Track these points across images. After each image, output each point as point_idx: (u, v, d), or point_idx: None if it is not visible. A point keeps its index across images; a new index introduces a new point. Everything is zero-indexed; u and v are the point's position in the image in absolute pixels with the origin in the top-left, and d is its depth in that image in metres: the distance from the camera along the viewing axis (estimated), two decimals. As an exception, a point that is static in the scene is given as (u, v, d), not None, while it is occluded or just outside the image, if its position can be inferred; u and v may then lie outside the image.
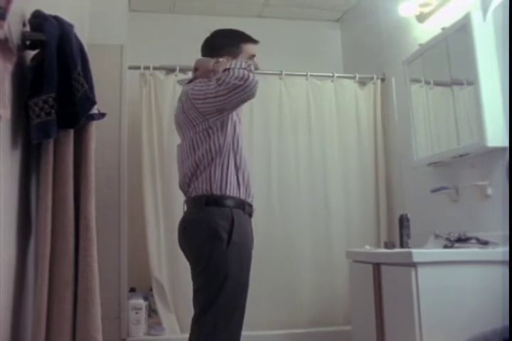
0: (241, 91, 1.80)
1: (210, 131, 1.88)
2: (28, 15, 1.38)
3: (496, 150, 2.22)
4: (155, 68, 3.01)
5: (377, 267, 2.20)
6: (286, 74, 3.19)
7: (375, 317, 2.18)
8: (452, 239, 2.20)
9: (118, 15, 2.97)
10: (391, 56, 3.18)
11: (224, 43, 2.03)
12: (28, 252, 1.42)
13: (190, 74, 2.95)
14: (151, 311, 2.86)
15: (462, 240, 2.17)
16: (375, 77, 3.27)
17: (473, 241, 2.14)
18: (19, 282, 1.34)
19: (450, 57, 2.49)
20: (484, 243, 2.09)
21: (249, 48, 2.04)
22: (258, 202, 2.09)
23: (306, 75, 3.21)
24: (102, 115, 1.55)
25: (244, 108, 2.04)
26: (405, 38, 3.00)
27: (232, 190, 1.86)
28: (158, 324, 2.75)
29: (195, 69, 2.04)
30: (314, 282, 2.99)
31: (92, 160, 1.47)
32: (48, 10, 1.42)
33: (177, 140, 2.09)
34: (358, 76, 3.29)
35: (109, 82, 2.73)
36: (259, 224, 2.48)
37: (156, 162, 2.91)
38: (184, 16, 3.70)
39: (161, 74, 3.02)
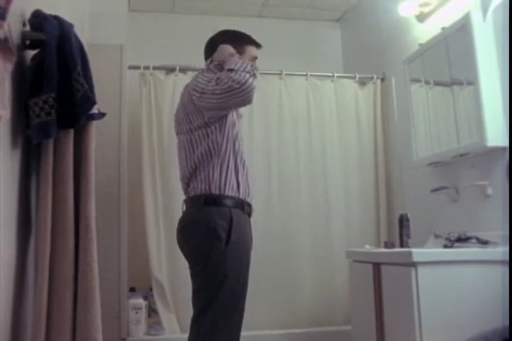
0: (235, 95, 1.80)
1: (209, 130, 1.88)
2: (28, 15, 1.38)
3: (496, 150, 2.22)
4: (155, 68, 3.01)
5: (377, 267, 2.20)
6: (286, 74, 3.19)
7: (375, 317, 2.18)
8: (452, 238, 2.20)
9: (118, 15, 2.97)
10: (391, 56, 3.18)
11: (229, 42, 2.03)
12: (28, 252, 1.42)
13: (189, 74, 2.97)
14: (151, 311, 2.86)
15: (462, 240, 2.17)
16: (375, 77, 3.27)
17: (473, 240, 2.14)
18: (19, 282, 1.34)
19: (450, 57, 2.49)
20: (484, 243, 2.09)
21: (251, 50, 2.05)
22: (258, 201, 2.10)
23: (306, 75, 3.21)
24: (102, 115, 1.55)
25: (245, 107, 2.04)
26: (405, 37, 3.00)
27: (231, 190, 1.86)
28: (158, 324, 2.75)
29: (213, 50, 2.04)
30: (314, 282, 3.00)
31: (92, 160, 1.47)
32: (48, 10, 1.42)
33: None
34: (358, 76, 3.29)
35: (109, 82, 2.73)
36: (258, 224, 2.49)
37: (156, 162, 2.91)
38: (184, 16, 3.70)
39: (160, 74, 3.02)
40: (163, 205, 2.87)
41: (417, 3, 2.79)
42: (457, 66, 2.46)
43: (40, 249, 1.33)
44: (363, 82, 3.33)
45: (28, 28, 1.37)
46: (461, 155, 2.40)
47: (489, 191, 2.27)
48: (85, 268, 1.38)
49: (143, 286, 2.94)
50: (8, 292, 1.26)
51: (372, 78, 3.28)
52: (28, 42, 1.36)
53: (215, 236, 1.78)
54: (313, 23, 3.92)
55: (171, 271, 2.81)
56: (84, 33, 2.30)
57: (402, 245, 2.47)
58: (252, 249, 1.93)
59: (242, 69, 1.82)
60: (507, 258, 1.86)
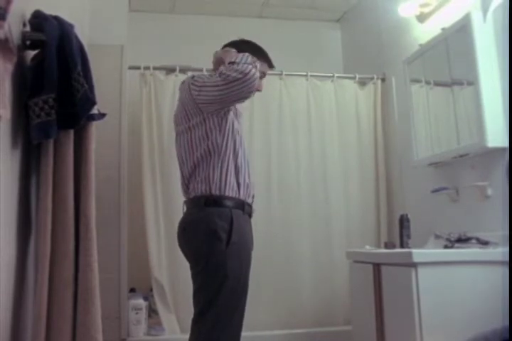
0: (237, 85, 1.79)
1: (208, 129, 1.87)
2: (28, 16, 1.38)
3: (496, 151, 2.22)
4: (155, 68, 3.01)
5: (377, 267, 2.20)
6: (286, 75, 3.19)
7: (376, 317, 2.18)
8: (452, 239, 2.20)
9: (118, 15, 2.97)
10: (391, 56, 3.18)
11: (245, 49, 2.01)
12: (28, 252, 1.42)
13: (190, 75, 2.97)
14: (151, 311, 2.86)
15: (462, 240, 2.17)
16: (375, 77, 3.27)
17: (474, 241, 2.14)
18: (19, 282, 1.34)
19: (450, 58, 2.49)
20: (484, 243, 2.09)
21: (263, 67, 2.04)
22: (258, 202, 2.09)
23: (306, 75, 3.21)
24: (102, 115, 1.55)
25: (245, 108, 2.04)
26: (405, 38, 3.00)
27: (231, 191, 1.86)
28: (158, 324, 2.75)
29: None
30: (314, 282, 2.99)
31: (92, 160, 1.47)
32: (48, 10, 1.42)
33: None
34: (358, 76, 3.29)
35: (109, 82, 2.73)
36: (259, 225, 2.48)
37: (156, 162, 2.91)
38: (184, 16, 3.70)
39: (161, 75, 3.02)
40: (163, 205, 2.87)
41: (417, 3, 2.79)
42: (457, 66, 2.46)
43: (40, 249, 1.33)
44: (363, 83, 3.33)
45: (28, 28, 1.38)
46: (462, 156, 2.40)
47: (489, 192, 2.27)
48: (85, 268, 1.38)
49: (143, 287, 2.94)
50: (8, 292, 1.26)
51: (372, 78, 3.28)
52: (28, 42, 1.36)
53: (215, 237, 1.78)
54: (313, 23, 3.92)
55: (171, 271, 2.81)
56: (84, 34, 2.30)
57: (402, 245, 2.46)
58: (252, 249, 1.93)
59: (243, 61, 1.82)
60: (507, 258, 1.86)
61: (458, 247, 2.16)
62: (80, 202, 1.43)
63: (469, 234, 2.18)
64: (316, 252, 3.02)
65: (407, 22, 2.97)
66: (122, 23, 2.98)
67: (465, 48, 2.32)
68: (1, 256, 1.19)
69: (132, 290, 2.90)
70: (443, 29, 2.53)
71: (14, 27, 1.24)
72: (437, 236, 2.31)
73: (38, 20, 1.37)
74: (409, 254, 1.93)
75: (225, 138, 1.88)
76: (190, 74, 2.94)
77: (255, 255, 1.94)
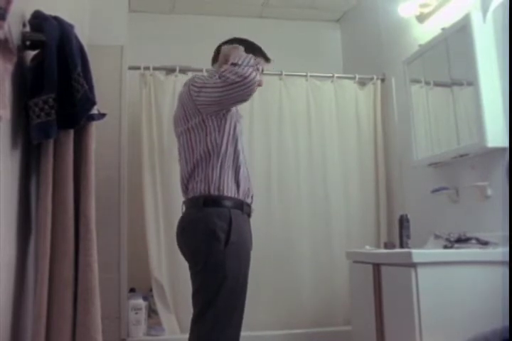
0: (236, 88, 1.79)
1: (207, 130, 1.87)
2: (28, 16, 1.38)
3: (496, 151, 2.22)
4: (155, 68, 3.01)
5: (377, 267, 2.21)
6: (286, 75, 3.19)
7: (375, 317, 2.18)
8: (452, 239, 2.20)
9: (118, 15, 2.97)
10: (391, 56, 3.18)
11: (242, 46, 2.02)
12: (28, 252, 1.43)
13: (190, 75, 2.96)
14: (151, 311, 2.86)
15: (462, 240, 2.17)
16: (375, 77, 3.27)
17: (473, 241, 2.14)
18: (19, 282, 1.34)
19: (450, 58, 2.50)
20: (484, 243, 2.09)
21: (260, 62, 2.03)
22: (258, 202, 2.09)
23: (306, 76, 3.21)
24: (102, 115, 1.56)
25: (244, 108, 2.04)
26: (405, 38, 3.01)
27: (230, 191, 1.86)
28: (158, 324, 2.75)
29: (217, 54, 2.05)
30: (314, 282, 2.99)
31: (92, 161, 1.47)
32: (48, 10, 1.42)
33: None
34: (357, 76, 3.29)
35: (109, 83, 2.73)
36: (258, 225, 2.48)
37: (156, 162, 2.91)
38: (184, 17, 3.71)
39: (161, 75, 3.02)
40: (163, 205, 2.87)
41: (417, 3, 2.79)
42: (457, 67, 2.46)
43: (40, 249, 1.34)
44: (362, 83, 3.33)
45: (28, 28, 1.38)
46: (461, 156, 2.40)
47: (489, 192, 2.27)
48: (85, 269, 1.39)
49: (143, 287, 2.94)
50: (8, 292, 1.26)
51: (372, 79, 3.28)
52: (28, 42, 1.36)
53: (214, 237, 1.78)
54: (313, 23, 3.92)
55: (171, 271, 2.81)
56: (84, 34, 2.31)
57: (402, 246, 2.47)
58: (251, 249, 1.93)
59: (245, 63, 1.81)
60: (507, 258, 1.86)
61: (458, 247, 2.16)
62: (80, 202, 1.43)
63: (469, 234, 2.18)
64: (316, 252, 3.02)
65: (407, 22, 2.97)
66: (122, 24, 2.98)
67: (465, 48, 2.32)
68: (1, 256, 1.19)
69: (132, 290, 2.90)
70: (443, 29, 2.53)
71: (14, 27, 1.24)
72: (437, 237, 2.31)
73: (38, 20, 1.37)
74: (409, 254, 1.93)
75: (224, 139, 1.88)
76: (190, 74, 2.96)
77: (255, 255, 1.94)
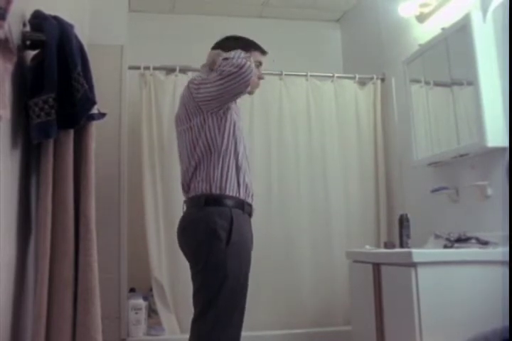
0: (235, 79, 1.80)
1: (207, 128, 1.88)
2: (28, 16, 1.38)
3: (496, 151, 2.22)
4: (155, 68, 3.01)
5: (377, 267, 2.21)
6: (286, 75, 3.19)
7: (375, 317, 2.18)
8: (452, 239, 2.20)
9: (118, 15, 2.97)
10: (391, 56, 3.18)
11: (236, 44, 2.04)
12: (28, 252, 1.42)
13: (190, 75, 2.97)
14: (151, 311, 2.86)
15: (462, 240, 2.17)
16: (375, 77, 3.27)
17: (473, 241, 2.14)
18: (19, 282, 1.34)
19: (450, 58, 2.50)
20: (484, 243, 2.09)
21: (256, 56, 2.06)
22: (258, 202, 2.09)
23: (306, 75, 3.22)
24: (102, 115, 1.55)
25: (245, 108, 2.04)
26: (405, 38, 3.01)
27: (231, 190, 1.86)
28: (158, 324, 2.75)
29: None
30: (314, 282, 2.99)
31: (92, 160, 1.47)
32: (48, 10, 1.42)
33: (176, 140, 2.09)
34: (357, 76, 3.29)
35: (109, 82, 2.73)
36: (258, 225, 2.48)
37: (156, 162, 2.91)
38: (184, 17, 3.71)
39: (161, 75, 3.03)
40: (163, 205, 2.87)
41: (417, 3, 2.79)
42: (457, 66, 2.46)
43: (40, 249, 1.33)
44: (362, 83, 3.33)
45: (28, 28, 1.38)
46: (461, 156, 2.40)
47: (489, 191, 2.27)
48: (85, 268, 1.38)
49: (143, 287, 2.94)
50: (8, 292, 1.26)
51: (372, 78, 3.28)
52: (28, 42, 1.36)
53: (215, 237, 1.78)
54: (313, 23, 3.92)
55: (171, 271, 2.81)
56: (84, 34, 2.30)
57: (402, 245, 2.47)
58: (252, 249, 1.93)
59: (237, 56, 1.83)
60: (507, 258, 1.86)
61: (458, 247, 2.16)
62: (80, 202, 1.43)
63: (469, 234, 2.18)
64: (316, 252, 3.02)
65: (407, 22, 2.97)
66: (122, 23, 2.98)
67: (465, 48, 2.32)
68: (1, 256, 1.19)
69: (132, 290, 2.90)
70: (443, 29, 2.53)
71: (14, 27, 1.24)
72: (437, 236, 2.31)
73: (38, 20, 1.37)
74: (409, 254, 1.93)
75: (226, 138, 1.88)
76: (190, 74, 2.97)
77: (255, 255, 1.94)
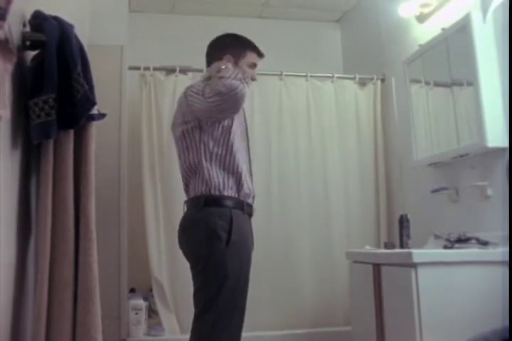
0: (221, 100, 1.81)
1: (203, 132, 1.88)
2: (28, 16, 1.38)
3: (496, 151, 2.22)
4: (155, 69, 3.01)
5: (377, 267, 2.20)
6: (286, 75, 3.19)
7: (375, 317, 2.18)
8: (452, 239, 2.20)
9: (118, 15, 2.97)
10: (391, 56, 3.18)
11: (231, 43, 2.06)
12: (28, 252, 1.43)
13: (190, 75, 2.98)
14: (151, 311, 2.86)
15: (462, 240, 2.17)
16: (375, 77, 3.27)
17: (473, 241, 2.14)
18: (19, 282, 1.34)
19: (450, 58, 2.50)
20: (484, 243, 2.09)
21: (252, 56, 2.06)
22: (258, 202, 2.09)
23: (306, 76, 3.21)
24: (102, 115, 1.56)
25: (245, 108, 2.04)
26: (405, 38, 3.01)
27: (230, 191, 1.87)
28: (158, 324, 2.75)
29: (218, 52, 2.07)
30: (314, 282, 2.99)
31: (92, 161, 1.47)
32: (48, 10, 1.42)
33: (177, 140, 2.09)
34: (358, 76, 3.29)
35: (109, 83, 2.73)
36: (258, 225, 2.48)
37: (156, 162, 2.91)
38: (184, 17, 3.70)
39: (161, 75, 3.03)
40: (163, 205, 2.87)
41: (417, 3, 2.79)
42: (457, 67, 2.46)
43: (40, 249, 1.34)
44: (363, 83, 3.33)
45: (28, 28, 1.38)
46: (461, 156, 2.40)
47: (489, 192, 2.27)
48: (85, 268, 1.39)
49: (143, 287, 2.94)
50: (8, 292, 1.26)
51: (372, 79, 3.28)
52: (28, 43, 1.36)
53: (215, 237, 1.79)
54: (313, 23, 3.92)
55: (171, 271, 2.81)
56: (84, 34, 2.30)
57: (402, 246, 2.46)
58: (253, 249, 1.93)
59: (232, 76, 1.83)
60: (507, 258, 1.86)
61: (458, 247, 2.16)
62: (80, 202, 1.43)
63: (469, 234, 2.18)
64: (316, 252, 3.02)
65: (407, 22, 2.97)
66: (122, 24, 2.98)
67: (465, 48, 2.32)
68: (1, 256, 1.19)
69: (132, 290, 2.89)
70: (443, 29, 2.53)
71: (14, 27, 1.24)
72: (437, 237, 2.31)
73: (38, 20, 1.37)
74: (409, 254, 1.93)
75: (222, 143, 1.89)
76: (190, 74, 2.97)
77: (255, 255, 1.95)
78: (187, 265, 1.91)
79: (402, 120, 3.02)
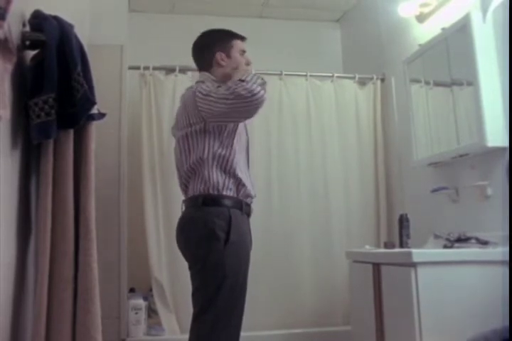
0: (243, 103, 1.79)
1: (207, 135, 1.87)
2: (27, 16, 1.38)
3: (496, 151, 2.22)
4: (155, 68, 3.00)
5: (377, 267, 2.21)
6: (286, 75, 3.19)
7: (375, 317, 2.18)
8: (452, 239, 2.20)
9: (118, 15, 2.97)
10: (391, 56, 3.18)
11: (215, 40, 2.06)
12: (28, 252, 1.43)
13: (189, 75, 2.97)
14: (151, 311, 2.86)
15: (462, 240, 2.17)
16: (374, 77, 3.27)
17: (473, 241, 2.14)
18: (19, 282, 1.34)
19: (450, 58, 2.50)
20: (484, 243, 2.09)
21: (238, 44, 2.07)
22: (258, 201, 2.09)
23: (306, 75, 3.21)
24: (102, 115, 1.56)
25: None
26: (405, 38, 3.01)
27: (229, 190, 1.86)
28: (158, 324, 2.75)
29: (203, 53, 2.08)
30: (314, 282, 2.99)
31: (92, 160, 1.47)
32: (48, 10, 1.42)
33: (177, 140, 2.09)
34: (357, 76, 3.29)
35: (109, 83, 2.73)
36: (258, 224, 2.49)
37: (156, 162, 2.91)
38: (184, 17, 3.70)
39: (160, 75, 3.02)
40: (163, 205, 2.87)
41: (417, 3, 2.79)
42: (457, 66, 2.46)
43: (40, 249, 1.34)
44: (362, 83, 3.33)
45: (27, 28, 1.38)
46: (461, 156, 2.40)
47: (489, 191, 2.27)
48: (85, 268, 1.39)
49: (143, 287, 2.93)
50: (8, 292, 1.26)
51: (372, 78, 3.28)
52: (27, 42, 1.36)
53: (213, 237, 1.78)
54: (313, 23, 3.92)
55: (171, 271, 2.81)
56: (84, 34, 2.30)
57: (401, 245, 2.47)
58: (251, 249, 1.93)
59: (253, 81, 1.82)
60: (507, 258, 1.86)
61: (457, 247, 2.16)
62: (80, 202, 1.43)
63: (469, 234, 2.18)
64: (316, 252, 3.02)
65: (407, 22, 2.97)
66: (122, 23, 2.98)
67: (465, 48, 2.32)
68: (1, 256, 1.19)
69: (132, 290, 2.89)
70: (443, 29, 2.53)
71: (14, 27, 1.24)
72: (437, 236, 2.31)
73: (38, 20, 1.37)
74: (409, 254, 1.93)
75: (225, 145, 1.88)
76: (190, 74, 2.96)
77: (254, 254, 1.95)
78: (187, 264, 1.91)
79: (402, 120, 3.02)
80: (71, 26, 1.47)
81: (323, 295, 2.99)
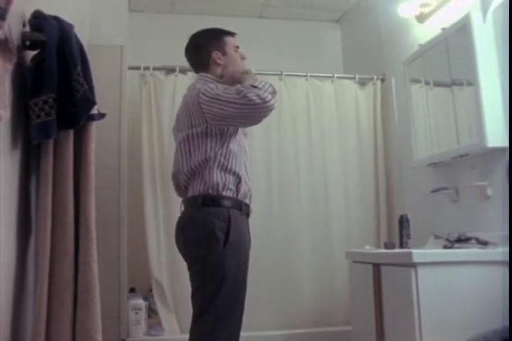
0: (252, 109, 1.79)
1: (209, 137, 1.87)
2: (27, 16, 1.38)
3: (496, 151, 2.22)
4: (155, 68, 3.00)
5: (377, 267, 2.20)
6: (286, 75, 3.19)
7: (375, 317, 2.18)
8: (452, 239, 2.20)
9: (118, 15, 2.97)
10: (391, 56, 3.18)
11: (207, 39, 2.07)
12: (28, 252, 1.43)
13: (190, 75, 2.97)
14: (151, 311, 2.86)
15: (462, 240, 2.17)
16: (374, 77, 3.27)
17: (473, 241, 2.14)
18: (19, 282, 1.34)
19: (450, 58, 2.50)
20: (484, 243, 2.09)
21: (230, 40, 2.08)
22: (258, 202, 2.10)
23: (306, 76, 3.21)
24: (101, 115, 1.56)
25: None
26: (405, 38, 3.01)
27: (228, 191, 1.86)
28: (158, 324, 2.75)
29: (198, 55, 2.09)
30: (314, 282, 2.99)
31: (92, 160, 1.47)
32: (48, 10, 1.42)
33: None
34: (357, 76, 3.29)
35: (109, 83, 2.73)
36: (258, 225, 2.48)
37: (156, 162, 2.91)
38: (184, 17, 3.70)
39: (160, 75, 3.02)
40: (163, 205, 2.87)
41: (417, 3, 2.79)
42: (457, 67, 2.46)
43: (40, 249, 1.34)
44: (362, 83, 3.33)
45: (27, 28, 1.38)
46: (461, 156, 2.40)
47: (489, 192, 2.27)
48: (85, 268, 1.39)
49: (143, 287, 2.94)
50: (8, 292, 1.26)
51: (372, 79, 3.28)
52: (27, 42, 1.36)
53: (212, 237, 1.78)
54: (313, 23, 3.92)
55: (171, 271, 2.81)
56: (84, 34, 2.30)
57: (402, 246, 2.47)
58: (250, 249, 1.93)
59: (266, 88, 1.82)
60: (507, 258, 1.86)
61: (457, 247, 2.16)
62: (80, 202, 1.43)
63: (469, 234, 2.18)
64: (316, 252, 3.02)
65: (407, 22, 2.97)
66: (122, 23, 2.98)
67: (465, 48, 2.32)
68: (1, 256, 1.19)
69: (132, 290, 2.90)
70: (443, 29, 2.53)
71: (14, 27, 1.24)
72: (437, 237, 2.31)
73: (38, 20, 1.37)
74: (409, 254, 1.93)
75: (225, 147, 1.88)
76: (190, 74, 2.96)
77: (254, 255, 1.94)
78: (186, 265, 1.91)
79: (402, 120, 3.02)
80: (71, 26, 1.47)
81: (324, 295, 2.98)
